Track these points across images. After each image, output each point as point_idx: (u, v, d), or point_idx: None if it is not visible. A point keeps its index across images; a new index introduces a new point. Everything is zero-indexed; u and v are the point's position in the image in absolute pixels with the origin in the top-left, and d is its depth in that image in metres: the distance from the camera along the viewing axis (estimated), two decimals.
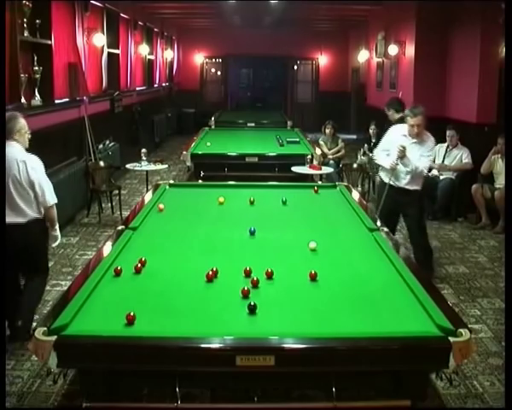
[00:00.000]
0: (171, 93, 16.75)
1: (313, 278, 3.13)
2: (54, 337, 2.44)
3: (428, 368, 2.65)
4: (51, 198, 4.12)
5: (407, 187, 5.24)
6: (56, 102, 7.08)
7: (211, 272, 3.12)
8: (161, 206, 4.60)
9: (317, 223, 4.34)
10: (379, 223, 4.16)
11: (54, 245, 4.44)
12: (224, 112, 14.27)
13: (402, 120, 5.99)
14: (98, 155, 8.26)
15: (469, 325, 2.88)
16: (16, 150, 4.03)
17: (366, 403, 2.72)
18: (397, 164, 5.11)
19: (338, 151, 9.33)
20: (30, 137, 4.20)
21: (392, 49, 11.09)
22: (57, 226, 4.30)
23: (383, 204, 5.34)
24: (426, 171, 5.37)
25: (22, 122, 4.13)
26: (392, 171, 5.19)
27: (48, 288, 5.19)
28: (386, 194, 5.28)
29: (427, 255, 5.43)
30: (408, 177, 5.21)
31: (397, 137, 5.24)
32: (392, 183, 5.26)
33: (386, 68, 12.19)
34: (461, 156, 7.84)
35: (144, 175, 8.23)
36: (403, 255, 3.54)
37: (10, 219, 3.94)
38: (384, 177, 5.42)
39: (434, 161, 7.92)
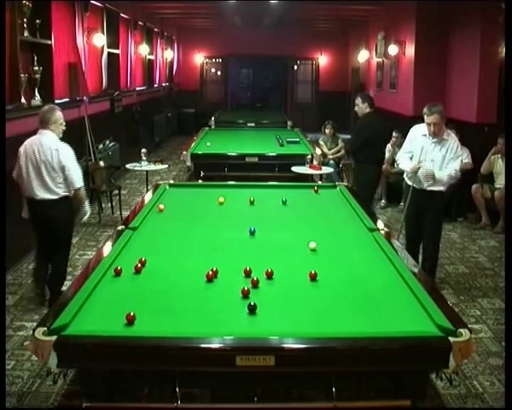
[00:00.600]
0: (171, 93, 16.75)
1: (313, 278, 3.13)
2: (54, 337, 2.44)
3: (428, 368, 2.65)
4: (78, 182, 4.68)
5: (430, 189, 5.07)
6: (56, 102, 7.05)
7: (211, 272, 3.12)
8: (161, 206, 4.60)
9: (317, 223, 4.34)
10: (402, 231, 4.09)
11: (84, 219, 4.99)
12: (224, 112, 14.27)
13: (369, 116, 6.56)
14: (98, 155, 8.26)
15: (469, 325, 2.88)
16: (50, 138, 4.58)
17: (366, 403, 2.72)
18: (418, 167, 5.02)
19: (338, 151, 9.34)
20: (64, 128, 4.75)
21: (392, 49, 11.10)
22: (86, 203, 4.86)
23: (407, 208, 5.29)
24: (456, 174, 5.10)
25: (58, 114, 4.66)
26: (415, 174, 5.07)
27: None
28: (410, 197, 5.19)
29: (432, 260, 5.27)
30: (431, 181, 5.04)
31: (417, 137, 5.14)
32: (415, 185, 5.14)
33: (386, 68, 12.20)
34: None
35: (144, 175, 8.23)
36: (403, 255, 3.54)
37: (43, 195, 4.58)
38: (408, 180, 5.28)
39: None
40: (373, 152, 6.43)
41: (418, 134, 5.16)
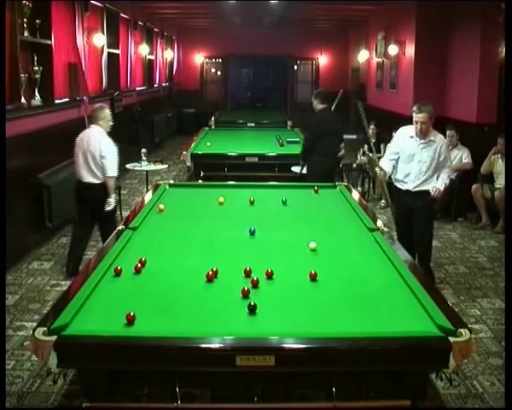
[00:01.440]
0: (171, 93, 16.74)
1: (313, 278, 3.13)
2: (54, 337, 2.44)
3: (428, 368, 2.65)
4: (111, 171, 5.36)
5: (416, 190, 5.06)
6: (56, 102, 7.07)
7: (211, 272, 3.12)
8: (161, 206, 4.60)
9: (317, 223, 4.34)
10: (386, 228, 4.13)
11: (107, 209, 5.45)
12: (224, 112, 14.27)
13: (322, 111, 6.76)
14: None
15: (469, 325, 2.88)
16: (97, 132, 5.41)
17: (366, 403, 2.72)
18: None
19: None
20: (112, 123, 5.54)
21: (392, 49, 11.09)
22: (113, 195, 5.47)
23: (396, 209, 5.32)
24: (449, 178, 5.22)
25: (106, 112, 5.51)
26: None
27: (48, 288, 5.21)
28: (397, 199, 5.23)
29: (425, 261, 5.19)
30: (417, 180, 5.05)
31: (404, 138, 5.10)
32: (400, 186, 5.15)
33: (386, 68, 12.20)
34: (461, 156, 7.84)
35: (144, 175, 8.23)
36: (403, 255, 3.54)
37: (90, 179, 5.38)
38: (394, 181, 5.28)
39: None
40: (327, 145, 6.68)
41: (405, 136, 5.11)
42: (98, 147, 5.33)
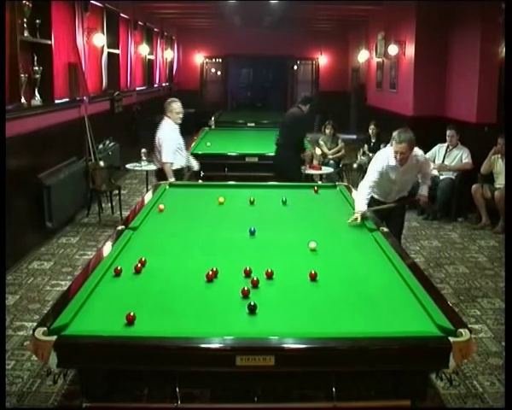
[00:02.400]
0: (171, 93, 16.72)
1: (313, 278, 3.13)
2: (54, 337, 2.44)
3: (428, 368, 2.65)
4: (164, 158, 6.07)
5: (397, 198, 5.01)
6: (56, 102, 7.07)
7: (211, 272, 3.12)
8: (161, 206, 4.60)
9: (317, 223, 4.34)
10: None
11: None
12: (223, 112, 14.26)
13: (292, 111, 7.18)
14: (98, 155, 8.25)
15: (469, 325, 2.88)
16: (164, 122, 6.19)
17: (366, 403, 2.72)
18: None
19: (338, 151, 9.34)
20: (182, 116, 6.34)
21: (392, 49, 11.09)
22: (171, 179, 5.93)
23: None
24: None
25: (174, 106, 6.25)
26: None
27: (48, 288, 5.21)
28: (373, 208, 4.80)
29: None
30: (398, 196, 4.98)
31: (383, 164, 4.77)
32: (379, 198, 4.98)
33: (386, 68, 12.19)
34: (461, 156, 7.84)
35: (144, 175, 8.24)
36: (403, 255, 3.54)
37: (156, 164, 6.28)
38: (373, 193, 4.92)
39: (434, 161, 7.92)
40: (295, 140, 7.15)
41: (384, 161, 4.78)
42: (158, 135, 6.11)
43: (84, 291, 2.89)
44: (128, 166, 7.88)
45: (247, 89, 19.83)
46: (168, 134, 6.10)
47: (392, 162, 4.74)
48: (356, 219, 4.21)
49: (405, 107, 10.35)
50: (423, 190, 5.20)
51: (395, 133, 4.70)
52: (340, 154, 9.32)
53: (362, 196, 4.54)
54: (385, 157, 4.82)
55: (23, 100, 6.03)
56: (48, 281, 5.38)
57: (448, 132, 7.87)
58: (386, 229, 4.04)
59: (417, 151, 4.86)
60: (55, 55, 6.94)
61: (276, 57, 17.90)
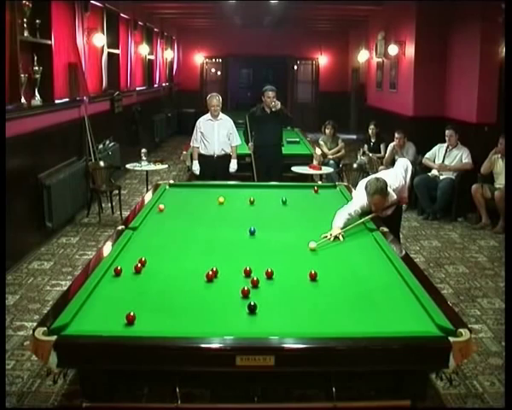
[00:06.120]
0: (171, 93, 16.74)
1: (313, 278, 3.13)
2: (54, 337, 2.44)
3: (428, 368, 2.65)
4: (191, 143, 7.23)
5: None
6: (56, 102, 7.07)
7: (211, 272, 3.12)
8: (161, 206, 4.60)
9: (317, 223, 4.33)
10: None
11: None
12: (223, 112, 14.20)
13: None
14: (98, 155, 8.25)
15: (469, 325, 2.88)
16: (204, 115, 7.28)
17: (366, 403, 2.72)
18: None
19: (338, 151, 9.34)
20: (212, 110, 7.19)
21: (392, 49, 11.09)
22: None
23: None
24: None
25: (209, 101, 7.23)
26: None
27: (48, 288, 5.21)
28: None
29: None
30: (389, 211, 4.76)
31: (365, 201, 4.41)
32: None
33: (386, 68, 12.19)
34: (461, 156, 7.84)
35: (144, 175, 8.23)
36: (403, 255, 3.54)
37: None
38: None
39: (435, 161, 7.93)
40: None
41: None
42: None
43: (84, 291, 2.89)
44: (128, 166, 7.87)
45: (247, 89, 19.82)
46: (197, 126, 7.16)
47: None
48: (328, 238, 3.85)
49: (405, 107, 10.35)
50: (405, 195, 4.99)
51: (368, 185, 4.34)
52: (340, 154, 9.32)
53: (341, 217, 4.16)
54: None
55: (23, 100, 6.02)
56: (48, 281, 5.38)
57: (446, 132, 7.86)
58: (386, 229, 4.04)
59: (390, 191, 4.52)
60: (55, 55, 6.94)
61: (276, 57, 17.89)
